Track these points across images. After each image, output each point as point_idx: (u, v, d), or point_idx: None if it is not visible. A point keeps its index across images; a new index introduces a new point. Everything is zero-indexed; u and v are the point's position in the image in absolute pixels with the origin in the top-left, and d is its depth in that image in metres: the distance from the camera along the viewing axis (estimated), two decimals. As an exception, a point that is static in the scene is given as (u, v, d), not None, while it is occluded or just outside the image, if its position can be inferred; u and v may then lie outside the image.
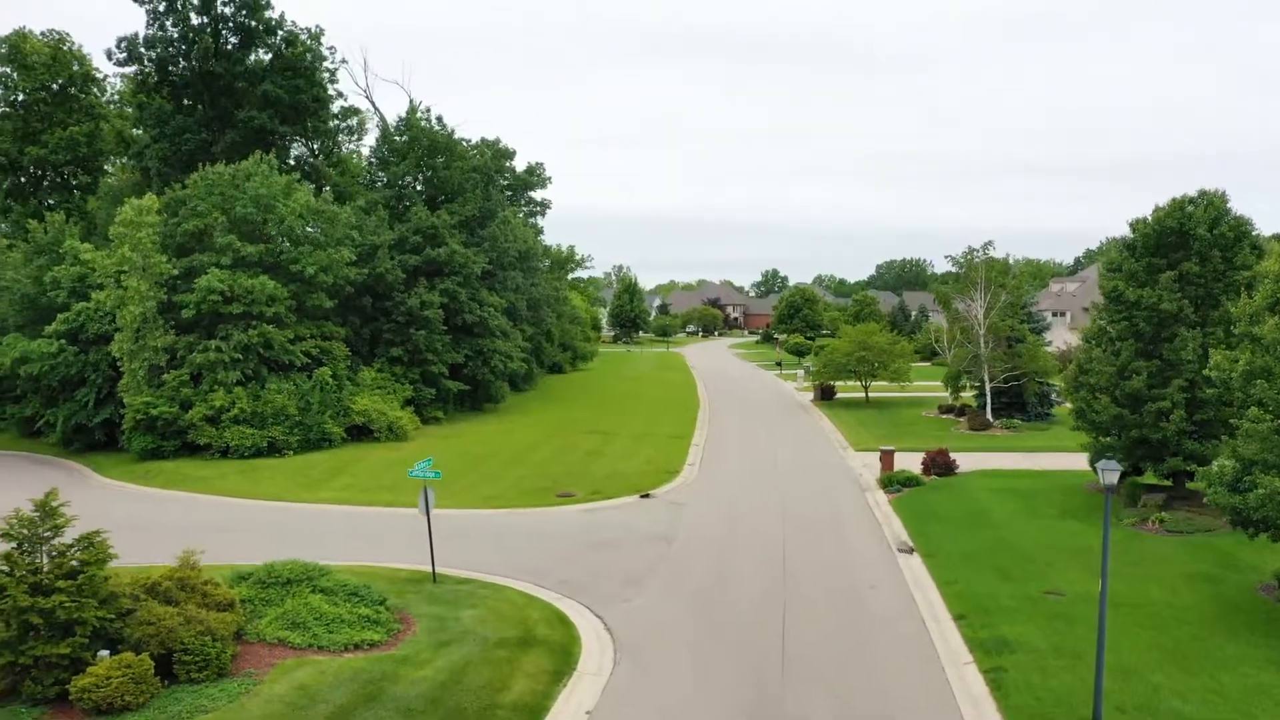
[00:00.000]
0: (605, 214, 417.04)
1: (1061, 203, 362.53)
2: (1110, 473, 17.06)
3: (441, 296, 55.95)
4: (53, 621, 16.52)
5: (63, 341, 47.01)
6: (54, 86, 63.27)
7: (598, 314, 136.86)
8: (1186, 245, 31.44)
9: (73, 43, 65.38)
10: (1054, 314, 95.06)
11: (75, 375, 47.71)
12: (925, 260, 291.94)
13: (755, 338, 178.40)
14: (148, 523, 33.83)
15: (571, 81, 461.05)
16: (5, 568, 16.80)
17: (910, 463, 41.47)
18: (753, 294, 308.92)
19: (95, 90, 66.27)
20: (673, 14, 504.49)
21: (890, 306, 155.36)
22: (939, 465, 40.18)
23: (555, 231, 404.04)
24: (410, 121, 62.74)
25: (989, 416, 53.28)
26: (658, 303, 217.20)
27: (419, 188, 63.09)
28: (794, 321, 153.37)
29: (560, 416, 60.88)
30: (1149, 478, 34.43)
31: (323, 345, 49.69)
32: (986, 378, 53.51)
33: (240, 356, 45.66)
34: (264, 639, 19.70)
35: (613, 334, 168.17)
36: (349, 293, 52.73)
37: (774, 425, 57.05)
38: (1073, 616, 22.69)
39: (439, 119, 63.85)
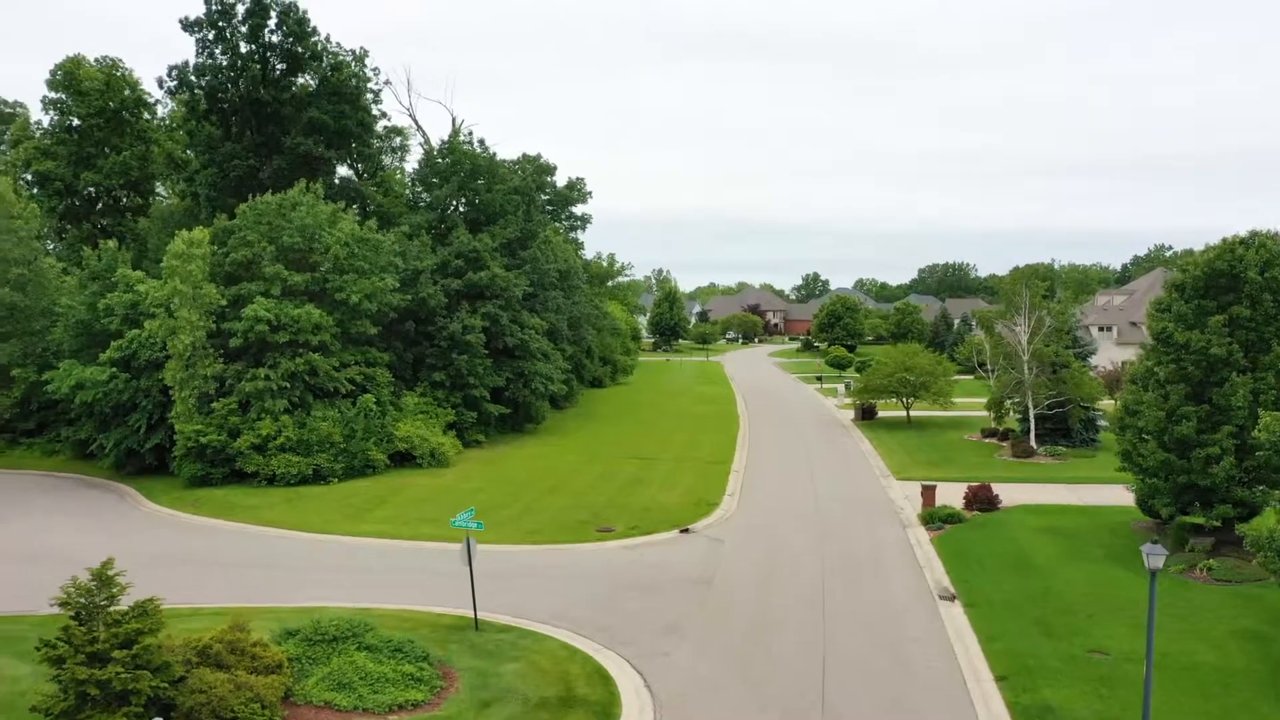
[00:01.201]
0: (644, 213, 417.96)
1: (1106, 201, 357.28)
2: (1156, 557, 16.85)
3: (483, 320, 56.47)
4: (109, 691, 17.00)
5: (115, 369, 48.05)
6: (107, 112, 64.57)
7: (637, 324, 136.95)
8: (1237, 288, 30.93)
9: (124, 68, 66.71)
10: (1100, 328, 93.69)
11: (127, 401, 48.75)
12: (968, 264, 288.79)
13: (796, 344, 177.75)
14: (197, 556, 34.62)
15: (610, 80, 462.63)
16: (64, 639, 17.30)
17: (952, 494, 41.18)
18: (793, 297, 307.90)
19: (146, 114, 67.55)
20: (710, 13, 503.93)
21: (933, 316, 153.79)
22: (981, 501, 39.85)
23: (594, 232, 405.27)
24: (453, 145, 63.41)
25: (1033, 443, 52.69)
26: (697, 309, 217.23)
27: (461, 209, 63.70)
28: (834, 330, 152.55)
29: (600, 438, 61.16)
30: (1196, 517, 33.91)
31: (367, 372, 50.39)
32: (1030, 404, 52.90)
33: (287, 384, 46.47)
34: (311, 701, 20.09)
35: (652, 341, 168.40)
36: (392, 318, 53.39)
37: (814, 449, 56.83)
38: (1117, 679, 22.44)
39: (480, 141, 64.61)
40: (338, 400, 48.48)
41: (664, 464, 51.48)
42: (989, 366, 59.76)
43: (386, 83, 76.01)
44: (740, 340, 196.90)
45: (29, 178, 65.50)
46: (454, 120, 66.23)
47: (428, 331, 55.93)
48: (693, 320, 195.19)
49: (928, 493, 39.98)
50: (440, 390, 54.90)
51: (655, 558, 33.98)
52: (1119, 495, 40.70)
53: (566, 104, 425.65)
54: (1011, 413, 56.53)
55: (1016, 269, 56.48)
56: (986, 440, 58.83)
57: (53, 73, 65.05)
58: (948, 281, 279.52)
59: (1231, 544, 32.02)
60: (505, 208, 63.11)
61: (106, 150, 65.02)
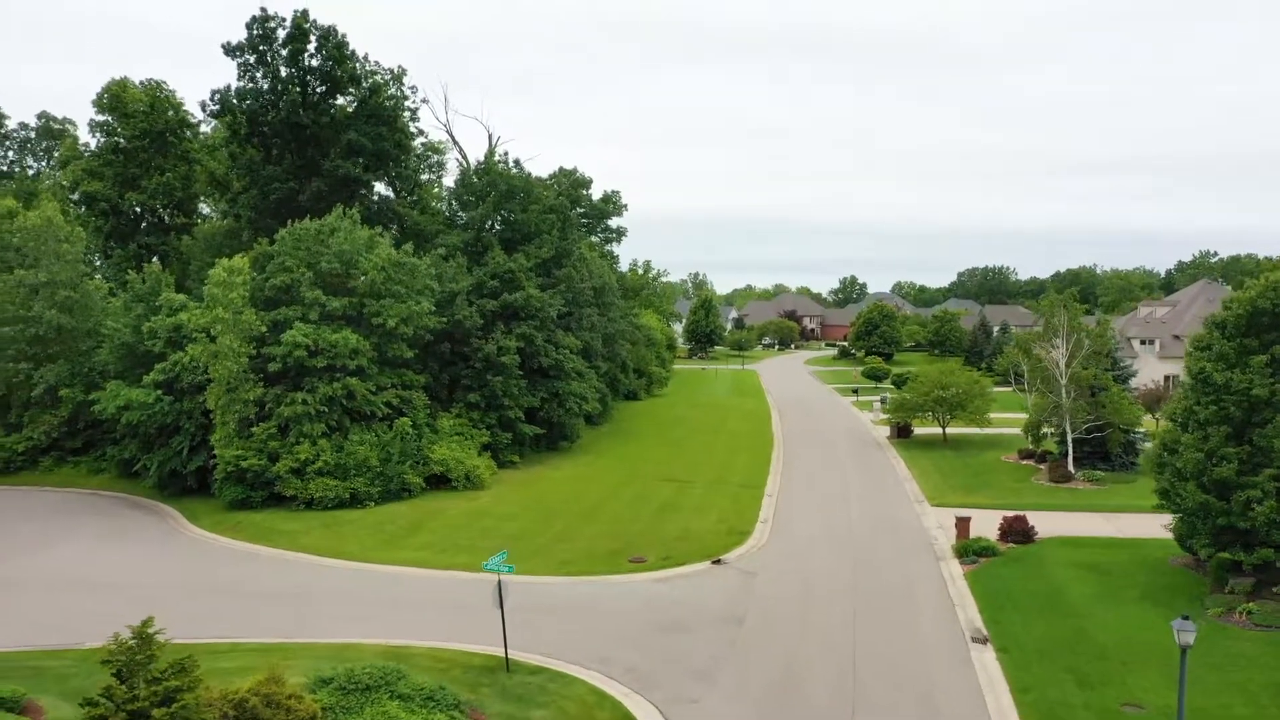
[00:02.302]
0: (682, 213, 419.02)
1: (1149, 200, 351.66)
2: (1186, 634, 16.69)
3: (518, 341, 56.86)
4: (149, 749, 17.44)
5: (159, 392, 49.04)
6: (151, 133, 65.83)
7: (673, 333, 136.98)
8: None
9: (168, 89, 68.04)
10: (1142, 341, 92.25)
11: (170, 423, 49.78)
12: (1008, 268, 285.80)
13: (833, 351, 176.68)
14: (236, 585, 35.27)
15: (642, 80, 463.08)
16: (106, 696, 17.77)
17: (987, 523, 40.88)
18: (830, 300, 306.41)
19: (189, 134, 68.79)
20: (746, 12, 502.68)
21: (972, 324, 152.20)
22: (1016, 533, 39.49)
23: (631, 234, 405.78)
24: (488, 166, 63.97)
25: (1070, 468, 52.06)
26: (733, 314, 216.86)
27: (497, 229, 64.18)
28: (871, 338, 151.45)
29: (634, 458, 61.31)
30: (1236, 554, 33.34)
31: (403, 394, 50.98)
32: (1068, 428, 52.28)
33: (325, 408, 47.17)
34: (344, 754, 20.44)
35: (688, 348, 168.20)
36: (428, 340, 53.94)
37: (848, 472, 56.56)
38: (1151, 737, 22.21)
39: (515, 162, 65.20)
40: (374, 423, 49.11)
41: (697, 488, 51.53)
42: (1026, 385, 59.11)
43: (424, 101, 77.52)
44: (776, 346, 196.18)
45: (76, 198, 66.93)
46: (490, 137, 66.96)
47: (463, 352, 56.43)
48: (728, 327, 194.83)
49: (962, 525, 39.68)
50: (475, 411, 55.37)
51: (687, 592, 34.07)
52: (1157, 526, 40.02)
53: (607, 104, 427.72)
54: (1049, 436, 55.87)
55: (1053, 295, 55.69)
56: (1024, 462, 58.19)
57: (99, 95, 66.63)
58: (988, 286, 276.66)
59: (1274, 584, 31.50)
60: (540, 227, 63.54)
61: (151, 171, 66.32)
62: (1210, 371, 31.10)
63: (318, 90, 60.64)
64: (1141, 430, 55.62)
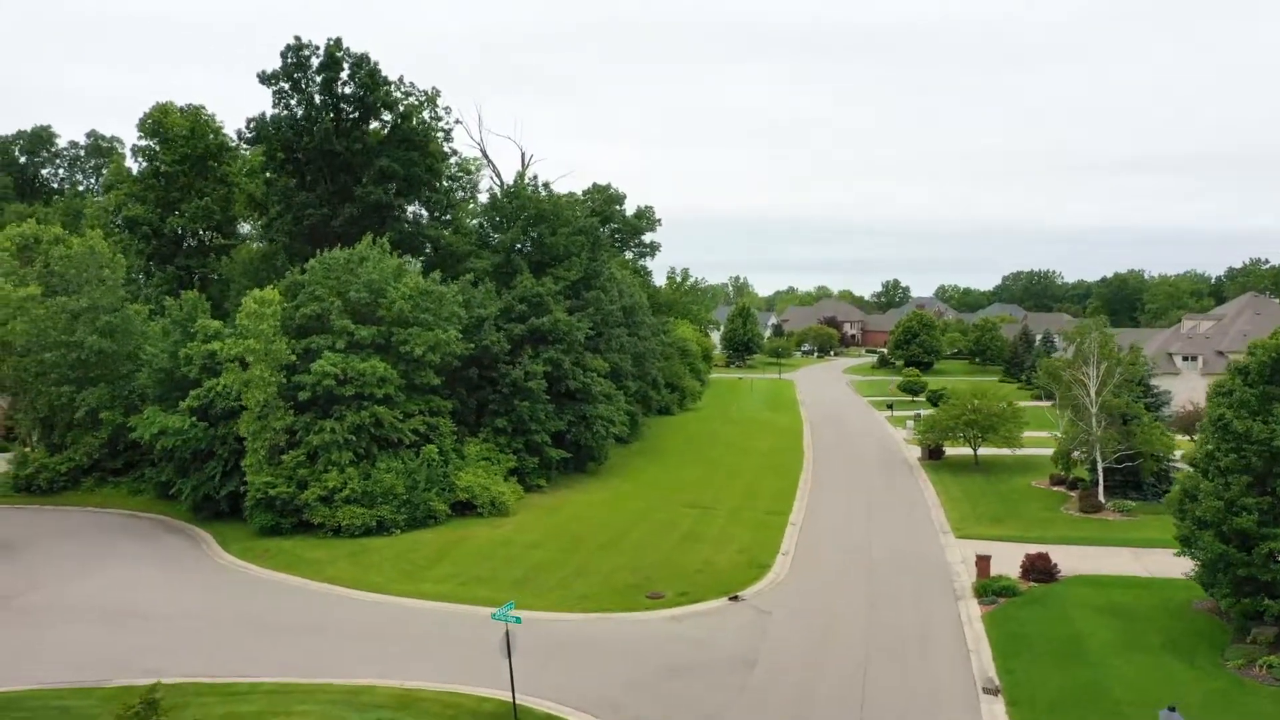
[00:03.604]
0: (726, 213, 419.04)
1: (1198, 198, 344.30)
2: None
3: (545, 365, 57.31)
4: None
5: (194, 418, 50.17)
6: (191, 158, 67.18)
7: (709, 344, 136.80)
8: (1303, 375, 29.87)
9: (207, 114, 69.41)
10: (1184, 358, 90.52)
11: (204, 448, 50.90)
12: (1053, 272, 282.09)
13: (873, 359, 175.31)
14: (259, 617, 36.03)
15: (684, 81, 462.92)
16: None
17: (1010, 558, 40.56)
18: (871, 301, 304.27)
19: (228, 158, 70.08)
20: (785, 10, 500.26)
21: (1014, 333, 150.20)
22: (1038, 571, 39.10)
23: (674, 235, 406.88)
24: (517, 190, 64.59)
25: (1100, 497, 51.35)
26: (772, 321, 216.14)
27: (526, 251, 64.71)
28: (910, 347, 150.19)
29: (661, 481, 61.49)
30: (1258, 604, 32.74)
31: (430, 421, 51.65)
32: (1099, 457, 51.57)
33: (353, 437, 47.97)
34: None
35: (726, 356, 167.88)
36: (456, 366, 54.55)
37: (875, 498, 56.29)
38: (1155, 807, 21.96)
39: (545, 185, 65.61)
40: (402, 450, 49.83)
41: (721, 515, 51.62)
42: (1057, 408, 58.31)
43: (457, 122, 78.34)
44: (816, 354, 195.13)
45: (119, 222, 68.51)
46: (523, 157, 67.67)
47: (491, 377, 57.00)
48: (767, 334, 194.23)
49: (982, 563, 39.37)
50: (503, 436, 55.90)
51: (701, 631, 34.21)
52: (1185, 563, 39.33)
53: (647, 104, 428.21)
54: (1080, 463, 55.11)
55: (1083, 321, 54.89)
56: (1055, 488, 57.48)
57: (143, 120, 68.14)
58: (1033, 290, 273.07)
59: (1297, 636, 30.90)
60: (569, 249, 64.00)
61: (190, 194, 67.70)
62: (1231, 419, 30.59)
63: (351, 117, 61.62)
64: (1179, 454, 54.60)
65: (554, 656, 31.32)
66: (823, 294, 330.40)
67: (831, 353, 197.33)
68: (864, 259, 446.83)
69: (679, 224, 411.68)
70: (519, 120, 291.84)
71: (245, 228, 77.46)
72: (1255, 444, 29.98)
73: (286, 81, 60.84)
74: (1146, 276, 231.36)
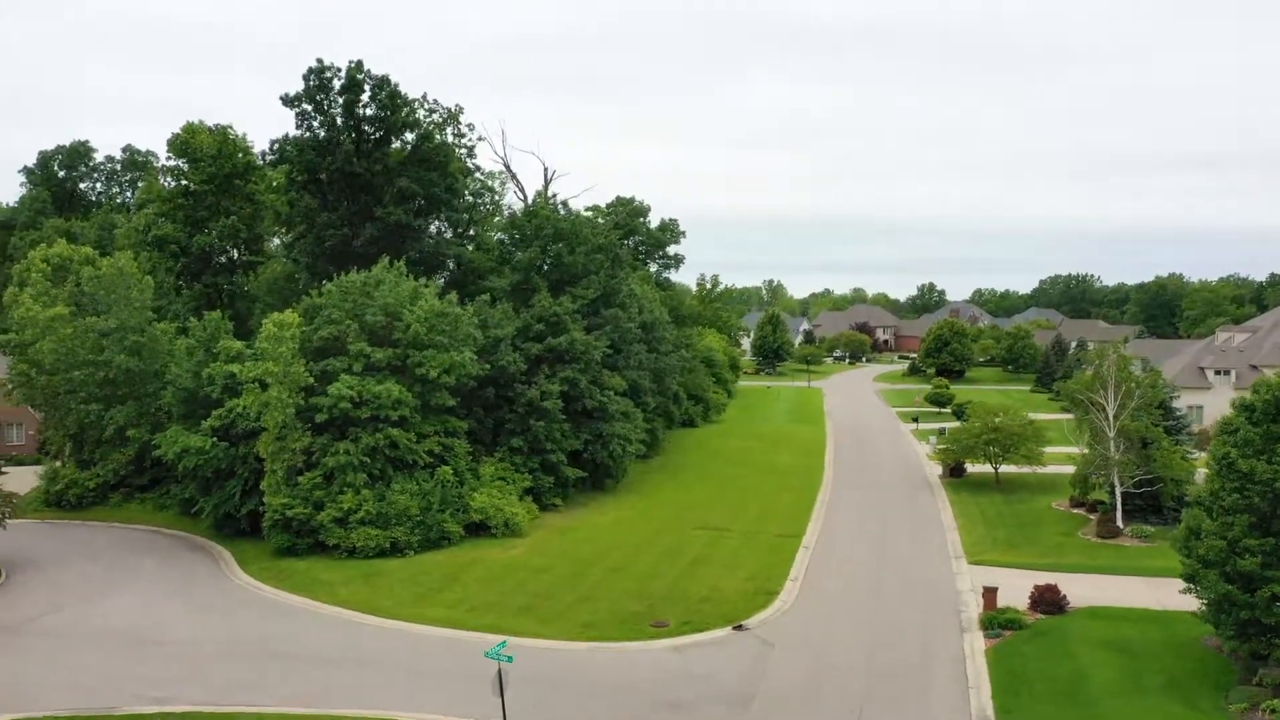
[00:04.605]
0: (758, 214, 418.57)
1: (1245, 196, 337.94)
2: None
3: (562, 385, 57.69)
4: None
5: (214, 439, 51.16)
6: (218, 178, 68.30)
7: (736, 353, 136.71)
8: (1308, 415, 29.42)
9: (234, 134, 70.54)
10: (1217, 372, 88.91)
11: (225, 468, 51.88)
12: (1092, 275, 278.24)
13: (904, 365, 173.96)
14: (270, 644, 36.66)
15: (721, 82, 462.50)
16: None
17: (1021, 586, 40.22)
18: (906, 304, 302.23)
19: (255, 177, 71.16)
20: (824, 9, 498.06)
21: (1047, 340, 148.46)
22: (1047, 603, 38.77)
23: (704, 238, 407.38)
24: (536, 209, 65.16)
25: (1119, 522, 50.75)
26: (804, 326, 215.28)
27: (545, 269, 65.19)
28: (941, 355, 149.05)
29: (677, 499, 61.62)
30: (1265, 645, 32.25)
31: (445, 442, 52.25)
32: (1117, 482, 50.96)
33: (368, 459, 48.69)
34: None
35: (755, 363, 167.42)
36: (472, 386, 55.08)
37: (891, 520, 56.02)
38: None
39: (564, 203, 66.21)
40: (417, 471, 50.43)
41: (733, 537, 51.65)
42: (1077, 427, 57.62)
43: (480, 139, 78.25)
44: (847, 360, 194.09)
45: (149, 240, 69.79)
46: (545, 172, 68.16)
47: (508, 396, 57.46)
48: (798, 340, 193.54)
49: (989, 595, 39.13)
50: (518, 455, 56.34)
51: (701, 664, 34.34)
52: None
53: (690, 104, 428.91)
54: (1100, 486, 54.45)
55: (1101, 346, 54.21)
56: (1074, 510, 56.85)
57: (171, 141, 69.47)
58: (1070, 294, 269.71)
59: (1304, 678, 30.42)
60: (588, 267, 64.39)
61: (217, 213, 68.84)
62: (1235, 458, 30.20)
63: (372, 138, 62.47)
64: (1202, 473, 53.68)
65: (552, 690, 31.62)
66: (857, 297, 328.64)
67: (864, 359, 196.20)
68: (902, 259, 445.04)
69: (714, 225, 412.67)
70: (541, 138, 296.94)
71: (275, 241, 78.71)
72: (1259, 484, 29.59)
73: (309, 103, 61.85)
74: (1187, 280, 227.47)
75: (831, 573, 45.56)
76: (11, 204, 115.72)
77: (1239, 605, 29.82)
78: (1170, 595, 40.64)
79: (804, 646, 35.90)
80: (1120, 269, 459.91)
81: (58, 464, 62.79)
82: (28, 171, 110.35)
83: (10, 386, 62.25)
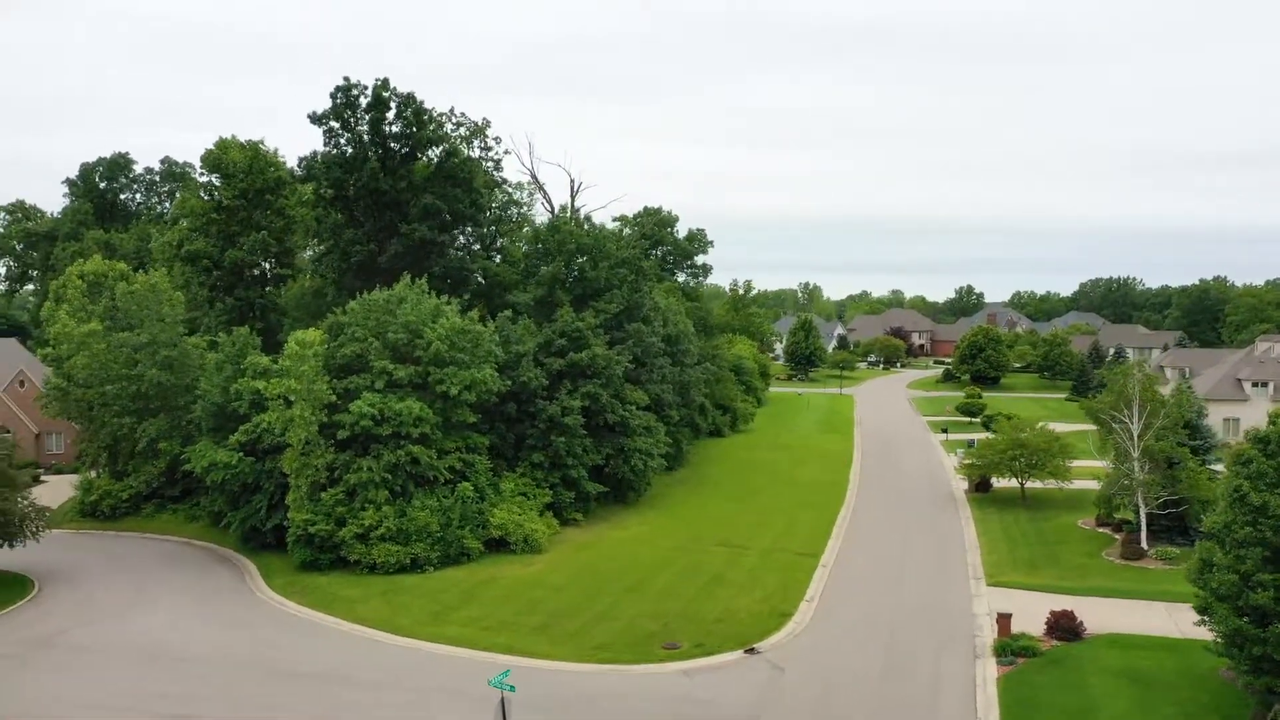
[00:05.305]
0: (796, 215, 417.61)
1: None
2: None
3: (583, 400, 58.05)
4: None
5: (240, 454, 52.20)
6: (250, 193, 69.60)
7: (767, 360, 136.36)
8: (1323, 448, 28.95)
9: (265, 149, 71.80)
10: (1254, 384, 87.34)
11: (251, 482, 52.92)
12: (1134, 279, 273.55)
13: (940, 370, 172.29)
14: (287, 662, 37.41)
15: (753, 81, 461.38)
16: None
17: (1039, 609, 40.01)
18: (944, 306, 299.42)
19: (286, 192, 72.36)
20: (860, 8, 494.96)
21: (1084, 347, 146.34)
22: (1063, 630, 38.39)
23: (742, 239, 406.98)
24: (559, 224, 65.61)
25: (1143, 543, 50.08)
26: (838, 331, 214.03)
27: (569, 282, 65.62)
28: (975, 362, 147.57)
29: (698, 514, 61.68)
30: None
31: (466, 458, 52.85)
32: (1141, 503, 50.30)
33: (389, 475, 49.39)
34: None
35: (789, 369, 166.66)
36: (494, 401, 55.61)
37: (913, 537, 55.72)
38: None
39: (587, 218, 66.50)
40: (438, 487, 51.05)
41: (752, 555, 51.64)
42: (1101, 443, 56.94)
43: (506, 152, 79.13)
44: (881, 365, 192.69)
45: (182, 255, 71.25)
46: (572, 185, 68.60)
47: (529, 411, 57.92)
48: (832, 346, 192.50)
49: (1003, 622, 38.80)
50: (539, 471, 56.79)
51: (709, 689, 34.45)
52: (1220, 624, 38.38)
53: (730, 104, 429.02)
54: (1124, 506, 53.74)
55: (1125, 366, 53.50)
56: (1100, 529, 56.12)
57: (204, 156, 70.91)
58: (1111, 297, 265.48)
59: (1319, 715, 29.94)
60: (611, 281, 64.72)
61: (249, 228, 70.13)
62: (1248, 490, 29.78)
63: (398, 154, 63.29)
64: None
65: (557, 715, 31.91)
66: (895, 300, 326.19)
67: (898, 364, 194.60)
68: (941, 259, 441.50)
69: (751, 226, 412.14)
70: (570, 145, 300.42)
71: (309, 251, 79.93)
72: (1272, 518, 29.15)
73: (336, 121, 62.90)
74: (1231, 284, 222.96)
75: (847, 594, 45.45)
76: (55, 214, 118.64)
77: (1251, 640, 29.38)
78: (1189, 623, 40.11)
79: (814, 671, 35.89)
80: (1164, 270, 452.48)
81: (93, 475, 64.33)
82: (70, 183, 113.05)
83: (47, 399, 63.89)
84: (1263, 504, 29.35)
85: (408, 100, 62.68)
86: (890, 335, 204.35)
